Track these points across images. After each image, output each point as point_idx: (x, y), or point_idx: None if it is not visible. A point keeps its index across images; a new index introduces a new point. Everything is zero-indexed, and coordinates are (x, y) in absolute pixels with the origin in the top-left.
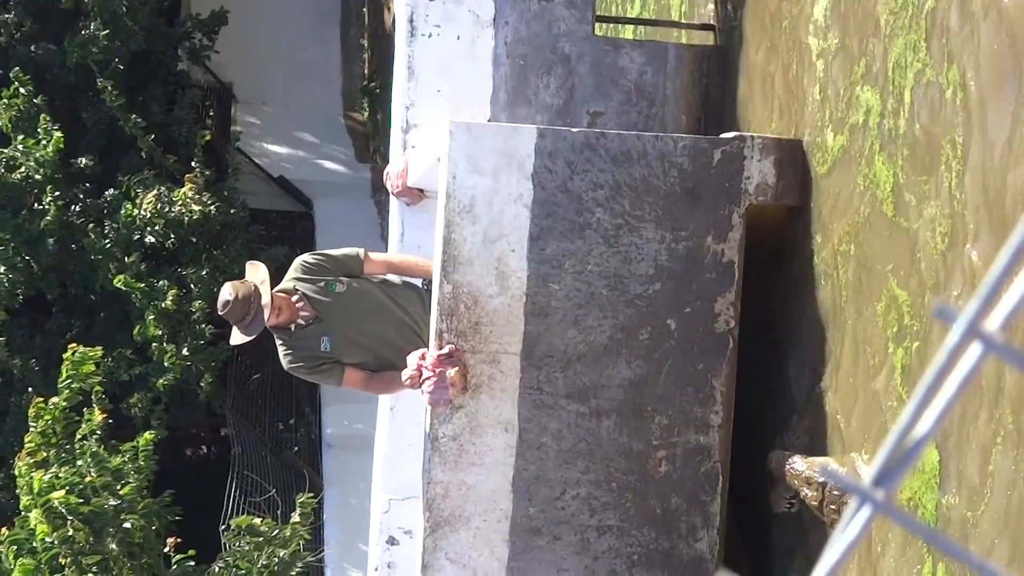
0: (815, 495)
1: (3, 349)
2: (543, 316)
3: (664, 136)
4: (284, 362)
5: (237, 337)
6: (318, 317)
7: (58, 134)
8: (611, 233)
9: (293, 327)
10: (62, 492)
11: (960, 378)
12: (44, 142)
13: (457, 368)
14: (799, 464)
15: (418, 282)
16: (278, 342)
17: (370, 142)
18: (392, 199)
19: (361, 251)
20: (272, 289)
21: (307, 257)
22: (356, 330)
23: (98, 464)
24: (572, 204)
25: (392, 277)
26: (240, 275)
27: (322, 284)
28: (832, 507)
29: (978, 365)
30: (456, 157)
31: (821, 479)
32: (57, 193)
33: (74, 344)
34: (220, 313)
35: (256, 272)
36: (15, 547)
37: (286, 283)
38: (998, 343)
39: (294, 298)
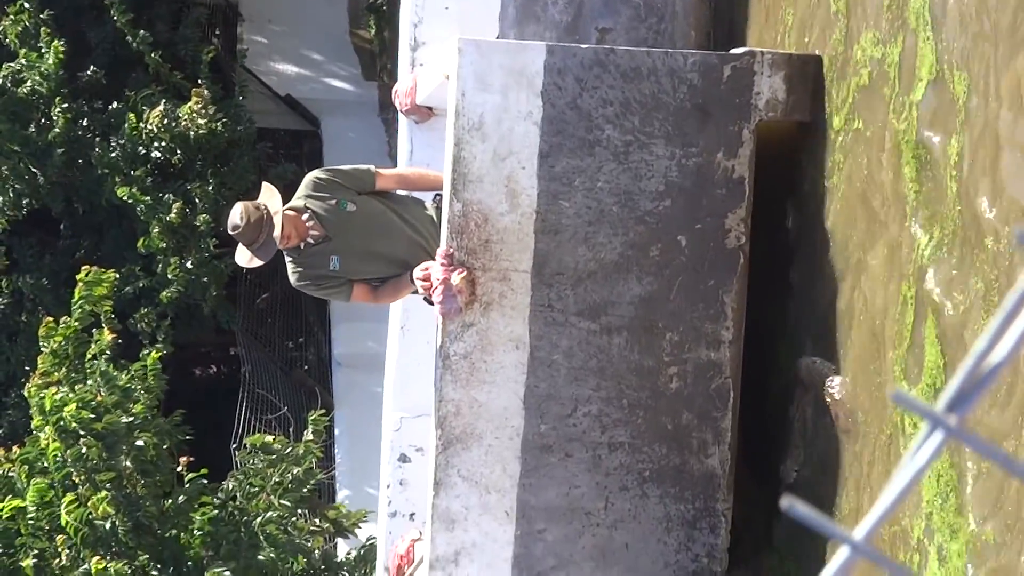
0: (845, 415)
1: (2, 259)
2: (553, 233)
3: (674, 52)
4: (292, 279)
5: (243, 257)
6: (328, 236)
7: (58, 44)
8: (621, 150)
9: (302, 245)
10: (73, 407)
11: None
12: (46, 54)
13: (462, 275)
14: (839, 386)
15: (429, 199)
16: (287, 259)
17: (377, 60)
18: (401, 117)
19: (372, 167)
20: (283, 207)
21: (319, 173)
22: (366, 249)
23: (108, 383)
24: (582, 121)
25: (402, 194)
26: (248, 192)
27: (333, 202)
28: (851, 423)
29: None
30: (465, 75)
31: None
32: (65, 105)
33: (88, 265)
34: (230, 233)
35: (271, 198)
36: (27, 466)
37: (296, 200)
38: None
39: (304, 216)
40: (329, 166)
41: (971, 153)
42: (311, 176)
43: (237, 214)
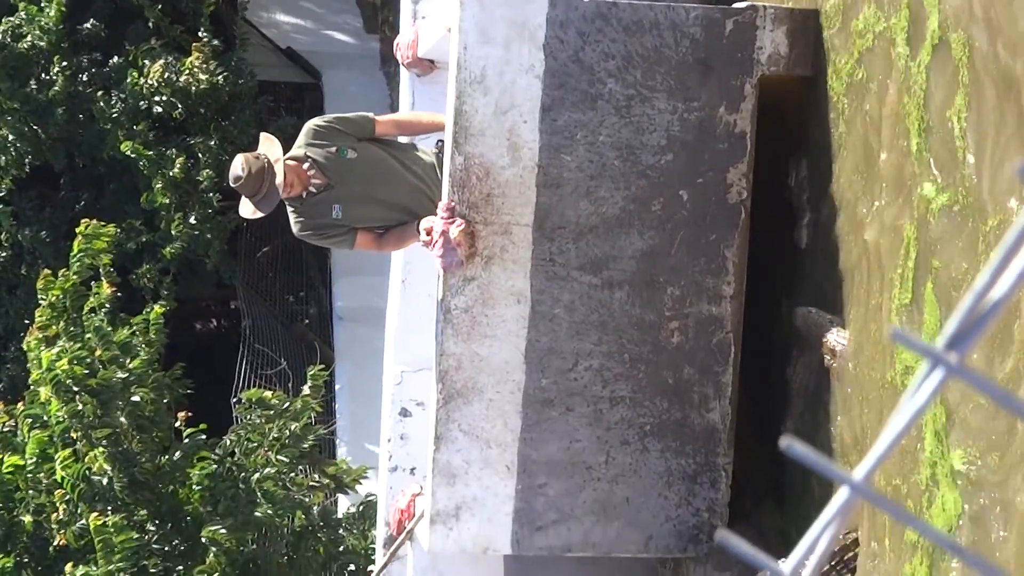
0: (845, 369)
1: (8, 219)
2: (555, 187)
3: (676, 6)
4: (295, 228)
5: (247, 209)
6: (329, 184)
7: None
8: (623, 104)
9: (304, 194)
10: (65, 362)
11: None
12: (46, 8)
13: (460, 227)
14: (839, 337)
15: (431, 146)
16: (289, 208)
17: (379, 13)
18: (402, 70)
19: (371, 114)
20: (287, 154)
21: (318, 121)
22: (368, 197)
23: (103, 339)
24: (584, 75)
25: (403, 141)
26: (250, 146)
27: (333, 150)
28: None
29: None
30: (467, 27)
31: (841, 347)
32: (65, 63)
33: (87, 219)
34: (232, 185)
35: (271, 147)
36: (30, 420)
37: (297, 150)
38: None
39: (305, 165)
40: (328, 115)
41: (977, 111)
42: (310, 124)
43: (238, 165)
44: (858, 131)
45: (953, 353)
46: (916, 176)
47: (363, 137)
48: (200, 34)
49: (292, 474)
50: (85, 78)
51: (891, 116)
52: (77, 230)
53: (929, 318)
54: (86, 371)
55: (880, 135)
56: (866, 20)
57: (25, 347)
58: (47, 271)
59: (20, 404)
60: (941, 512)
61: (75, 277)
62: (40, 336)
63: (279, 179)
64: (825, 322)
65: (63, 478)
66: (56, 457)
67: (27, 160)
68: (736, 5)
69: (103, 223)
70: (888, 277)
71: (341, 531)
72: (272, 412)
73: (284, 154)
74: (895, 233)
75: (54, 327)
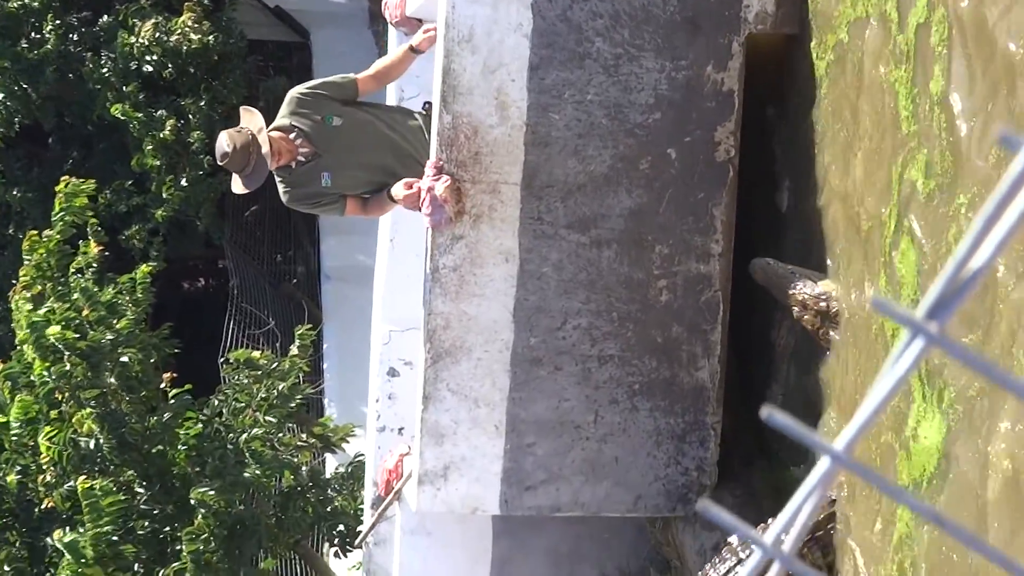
0: (812, 319)
1: None
2: (543, 146)
3: None
4: (284, 198)
5: (238, 186)
6: (317, 152)
7: None
8: (611, 63)
9: (293, 164)
10: (57, 328)
11: (1021, 208)
12: None
13: (445, 183)
14: (806, 288)
15: (418, 109)
16: (277, 179)
17: None
18: (391, 29)
19: (352, 75)
20: (268, 127)
21: (301, 90)
22: (356, 162)
23: (90, 299)
24: (572, 33)
25: (389, 104)
26: (238, 106)
27: (319, 118)
28: (828, 335)
29: None
30: None
31: (823, 303)
32: (57, 22)
33: (67, 176)
34: (220, 163)
35: (253, 119)
36: (9, 382)
37: (281, 120)
38: None
39: (291, 135)
40: (310, 81)
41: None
42: (293, 93)
43: (223, 142)
44: (843, 93)
45: (933, 323)
46: (901, 136)
47: (348, 101)
48: None
49: (280, 434)
50: (75, 37)
51: (876, 80)
52: (57, 189)
53: (908, 274)
54: (76, 334)
55: (865, 99)
56: None
57: (12, 307)
58: (33, 232)
59: (1, 364)
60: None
61: (58, 236)
62: (26, 296)
63: (265, 149)
64: (786, 273)
65: (49, 447)
66: (41, 426)
67: (16, 119)
68: None
69: (83, 180)
70: (870, 240)
71: (329, 491)
72: (260, 372)
73: (267, 125)
74: (878, 197)
75: (38, 287)
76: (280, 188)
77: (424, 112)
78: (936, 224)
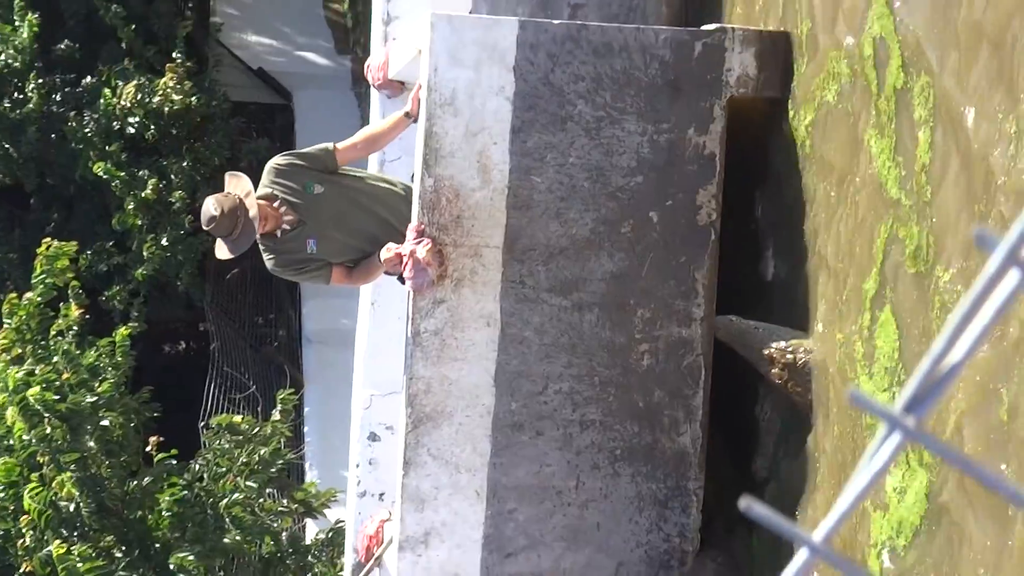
0: (781, 373)
1: None
2: (525, 209)
3: (645, 28)
4: (269, 266)
5: (223, 251)
6: (301, 220)
7: (32, 17)
8: (593, 126)
9: (279, 233)
10: (37, 389)
11: (996, 305)
12: (20, 27)
13: (427, 247)
14: (772, 342)
15: (399, 184)
16: (262, 248)
17: (350, 34)
18: (373, 91)
19: (330, 144)
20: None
21: (278, 160)
22: (340, 229)
23: (71, 362)
24: (554, 97)
25: (370, 177)
26: (222, 167)
27: (299, 187)
28: (797, 388)
29: (1015, 292)
30: (437, 50)
31: (789, 355)
32: (40, 81)
33: (48, 239)
34: (205, 229)
35: (239, 184)
36: None
37: (263, 189)
38: None
39: (276, 203)
40: (289, 151)
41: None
42: (272, 163)
43: (210, 206)
44: (825, 158)
45: (911, 416)
46: (884, 207)
47: (327, 171)
48: (174, 55)
49: (261, 499)
50: (58, 98)
51: (859, 146)
52: (38, 251)
53: (884, 348)
54: (56, 396)
55: (848, 163)
56: (835, 47)
57: None
58: (12, 294)
59: None
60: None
61: (39, 299)
62: (5, 358)
63: (253, 212)
64: (750, 329)
65: (31, 507)
66: (25, 482)
67: None
68: (705, 27)
69: (65, 242)
70: (852, 309)
71: (310, 558)
72: (241, 437)
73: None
74: (860, 266)
75: (18, 349)
76: (265, 257)
77: (404, 188)
78: (914, 295)
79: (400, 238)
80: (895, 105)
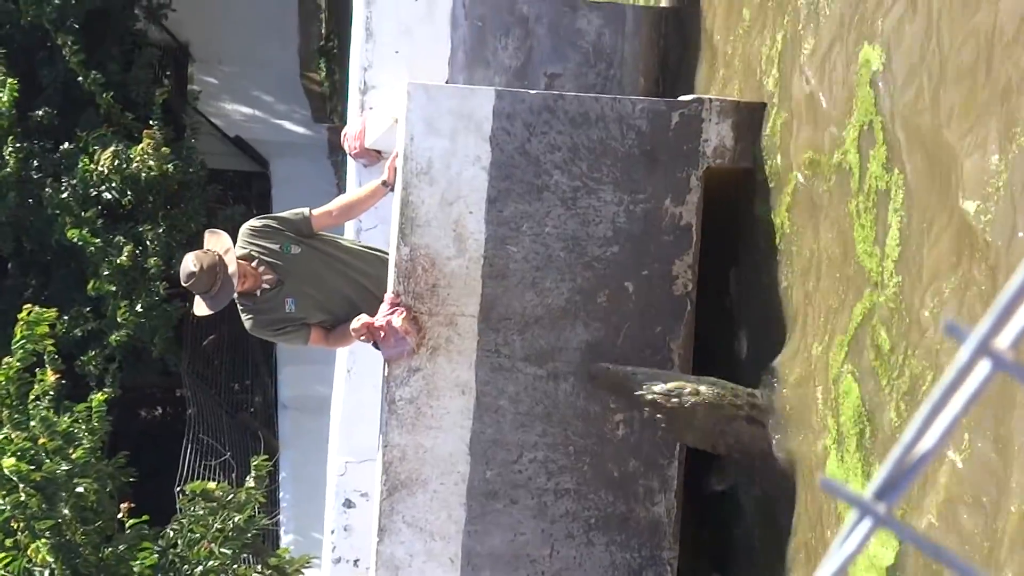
0: (665, 418)
1: None
2: (501, 278)
3: (622, 98)
4: (248, 326)
5: (201, 308)
6: (280, 280)
7: (12, 81)
8: (569, 195)
9: (259, 292)
10: (13, 460)
11: (967, 395)
12: None
13: (402, 315)
14: (655, 387)
15: (377, 242)
16: (240, 308)
17: (327, 102)
18: (349, 160)
19: (306, 210)
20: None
21: (254, 222)
22: (318, 288)
23: (47, 428)
24: (530, 166)
25: (346, 243)
26: (199, 234)
27: (277, 247)
28: (664, 423)
29: (987, 383)
30: (414, 119)
31: (674, 400)
32: (18, 145)
33: (28, 304)
34: (184, 285)
35: (219, 241)
36: None
37: (240, 249)
38: (1008, 361)
39: (253, 263)
40: (264, 214)
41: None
42: (248, 225)
43: (190, 262)
44: (801, 230)
45: (882, 503)
46: (858, 287)
47: (302, 235)
48: (151, 122)
49: (235, 565)
50: (36, 163)
51: (835, 221)
52: (19, 316)
53: (851, 457)
54: (31, 466)
55: (824, 239)
56: (807, 117)
57: None
58: None
59: None
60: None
61: (18, 364)
62: None
63: (232, 268)
64: (628, 375)
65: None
66: None
67: None
68: (682, 98)
69: (44, 309)
70: (825, 382)
71: None
72: (216, 504)
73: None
74: (829, 343)
75: None
76: (244, 316)
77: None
78: (885, 390)
79: (376, 302)
80: (874, 192)
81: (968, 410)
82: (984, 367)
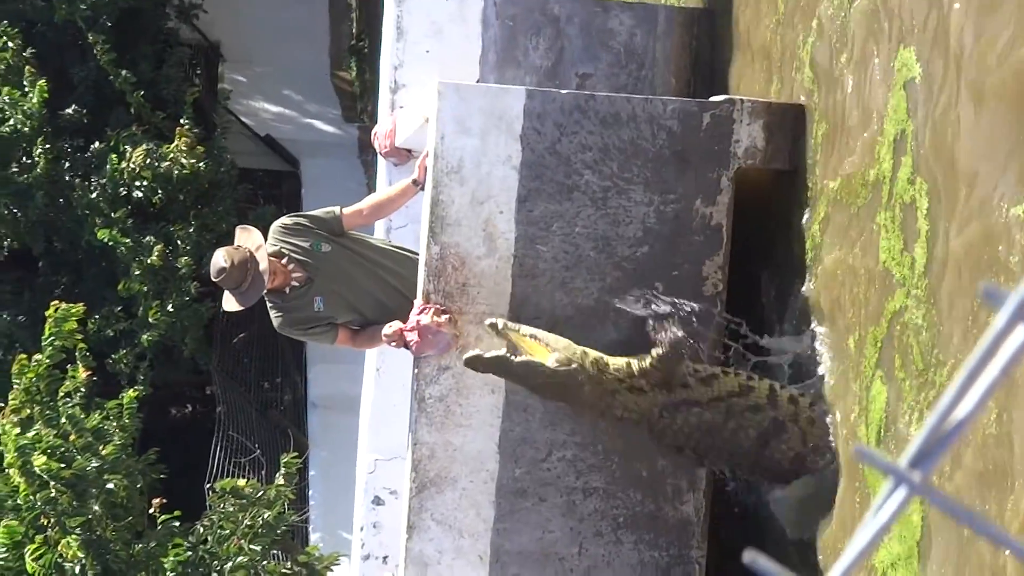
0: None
1: None
2: (530, 278)
3: (653, 99)
4: (276, 324)
5: (231, 304)
6: (309, 278)
7: (42, 83)
8: (599, 195)
9: (287, 290)
10: (44, 458)
11: (1003, 361)
12: (30, 93)
13: (431, 311)
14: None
15: (405, 249)
16: (269, 305)
17: (357, 102)
18: (380, 159)
19: (337, 208)
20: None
21: (285, 220)
22: (348, 288)
23: (76, 426)
24: (560, 166)
25: (376, 242)
26: (229, 233)
27: (307, 245)
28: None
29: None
30: (444, 118)
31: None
32: (48, 146)
33: (57, 301)
34: (215, 280)
35: (250, 237)
36: None
37: (271, 247)
38: None
39: (283, 260)
40: (295, 212)
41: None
42: (278, 223)
43: (220, 258)
44: (834, 233)
45: (917, 472)
46: (889, 293)
47: (333, 233)
48: (182, 121)
49: (264, 562)
50: (67, 163)
51: (867, 230)
52: (47, 313)
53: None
54: (61, 464)
55: (856, 245)
56: (839, 119)
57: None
58: (22, 356)
59: None
60: None
61: (48, 360)
62: (14, 419)
63: (263, 265)
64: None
65: (33, 569)
66: (27, 549)
67: (6, 244)
68: (713, 98)
69: (72, 304)
70: (860, 375)
71: None
72: (245, 501)
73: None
74: (860, 352)
75: (27, 410)
76: (272, 314)
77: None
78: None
79: (405, 302)
80: (901, 202)
81: (1004, 377)
82: (1022, 332)
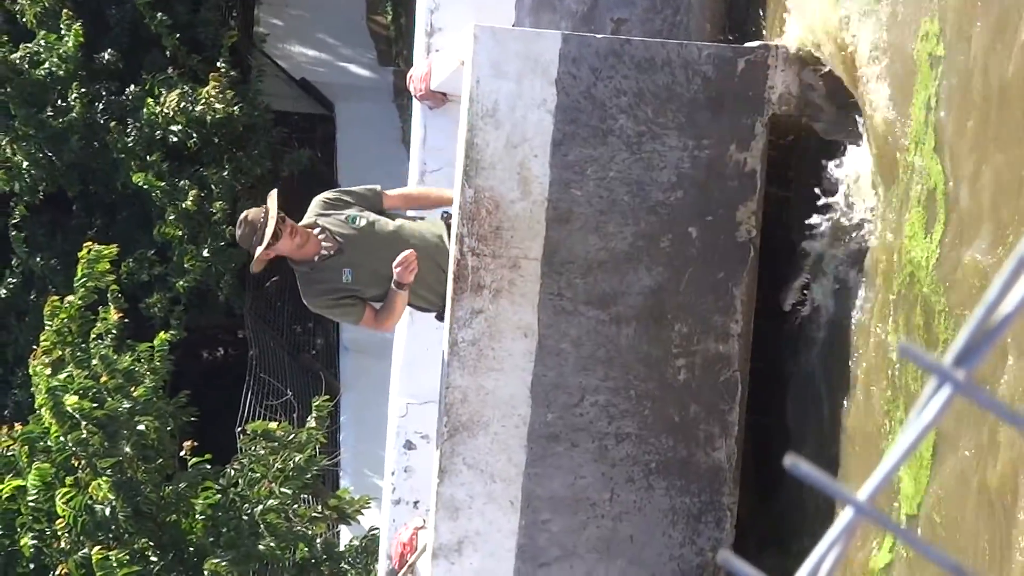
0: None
1: (21, 245)
2: (564, 222)
3: (688, 44)
4: (304, 294)
5: (258, 263)
6: (340, 249)
7: (77, 26)
8: (634, 140)
9: (316, 258)
10: (75, 398)
11: None
12: (65, 37)
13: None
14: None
15: (439, 211)
16: (298, 276)
17: (393, 45)
18: (415, 102)
19: (378, 186)
20: (298, 224)
21: (327, 194)
22: (378, 261)
23: (108, 366)
24: (595, 110)
25: (413, 225)
26: (263, 178)
27: (344, 217)
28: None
29: None
30: (480, 61)
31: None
32: (83, 89)
33: (90, 243)
34: (239, 243)
35: (271, 201)
36: (27, 446)
37: (307, 219)
38: None
39: (316, 231)
40: (338, 188)
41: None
42: (320, 197)
43: (240, 220)
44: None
45: (961, 370)
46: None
47: (372, 210)
48: (218, 64)
49: (295, 505)
50: (101, 106)
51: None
52: (79, 255)
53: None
54: (93, 404)
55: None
56: (875, 65)
57: (31, 371)
58: (54, 298)
59: (18, 426)
60: None
61: (80, 302)
62: (45, 361)
63: (269, 228)
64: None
65: (63, 511)
66: (58, 491)
67: (41, 187)
68: (748, 44)
69: (108, 246)
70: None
71: (344, 564)
72: (276, 444)
73: (286, 204)
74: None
75: (58, 352)
76: (301, 287)
77: (444, 220)
78: None
79: (443, 275)
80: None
81: None
82: None
